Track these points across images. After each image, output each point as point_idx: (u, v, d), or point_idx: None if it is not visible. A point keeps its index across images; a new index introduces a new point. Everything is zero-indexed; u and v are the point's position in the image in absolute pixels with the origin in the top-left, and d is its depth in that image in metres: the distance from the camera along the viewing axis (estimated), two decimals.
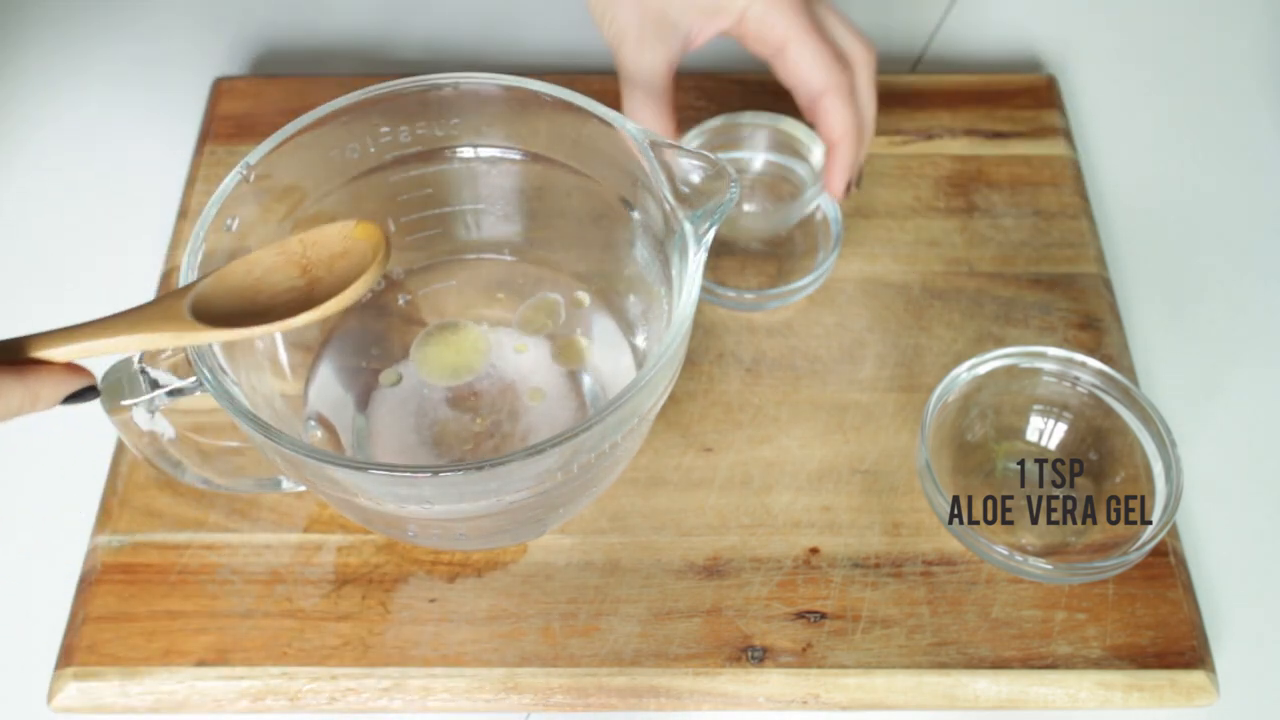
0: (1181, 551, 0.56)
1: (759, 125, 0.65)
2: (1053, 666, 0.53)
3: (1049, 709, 0.53)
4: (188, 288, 0.45)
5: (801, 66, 0.55)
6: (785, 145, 0.65)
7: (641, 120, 0.56)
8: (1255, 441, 0.61)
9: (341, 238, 0.47)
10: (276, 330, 0.45)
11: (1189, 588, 0.55)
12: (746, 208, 0.65)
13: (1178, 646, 0.53)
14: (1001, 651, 0.53)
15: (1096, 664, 0.53)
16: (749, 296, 0.62)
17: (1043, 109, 0.71)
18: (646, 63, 0.53)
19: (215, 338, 0.44)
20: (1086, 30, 0.79)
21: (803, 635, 0.53)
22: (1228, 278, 0.67)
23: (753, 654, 0.53)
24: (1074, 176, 0.69)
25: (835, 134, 0.56)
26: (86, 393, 0.43)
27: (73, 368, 0.43)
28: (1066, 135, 0.70)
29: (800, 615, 0.54)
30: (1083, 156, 0.71)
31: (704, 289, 0.62)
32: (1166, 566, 0.55)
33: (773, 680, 0.52)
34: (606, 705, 0.53)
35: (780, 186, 0.65)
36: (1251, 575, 0.57)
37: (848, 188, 0.58)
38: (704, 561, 0.55)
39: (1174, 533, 0.57)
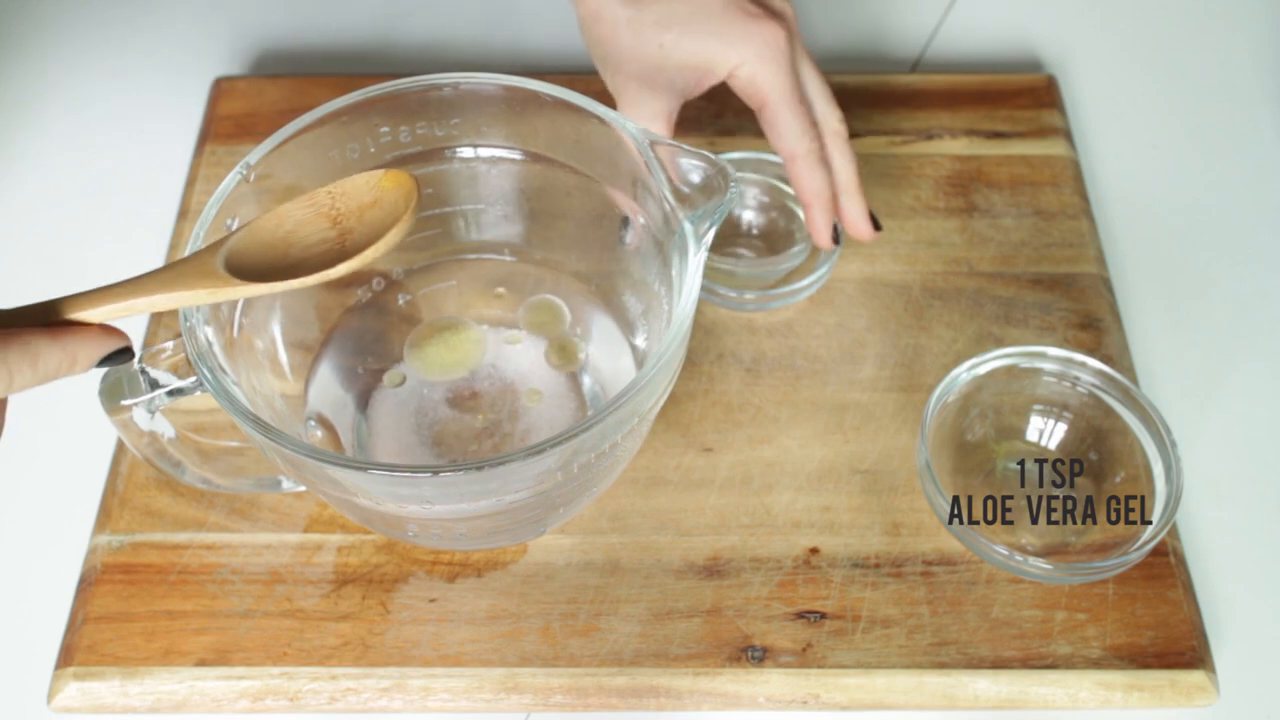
0: (1181, 551, 0.56)
1: (752, 181, 0.66)
2: (1053, 666, 0.53)
3: (1049, 709, 0.53)
4: (218, 243, 0.44)
5: (777, 130, 0.58)
6: (777, 197, 0.66)
7: None
8: (1255, 441, 0.61)
9: (370, 187, 0.46)
10: (313, 282, 0.44)
11: (1189, 588, 0.55)
12: (739, 258, 0.65)
13: (1178, 646, 0.53)
14: (1001, 651, 0.53)
15: (1096, 664, 0.53)
16: (750, 297, 0.62)
17: (1043, 109, 0.71)
18: (644, 120, 0.56)
19: (252, 292, 0.43)
20: (1086, 30, 0.79)
21: (803, 635, 0.53)
22: (1228, 278, 0.67)
23: (753, 654, 0.53)
24: (1074, 176, 0.69)
25: (806, 196, 0.59)
26: (121, 354, 0.43)
27: (108, 329, 0.42)
28: (1066, 135, 0.70)
29: (800, 615, 0.54)
30: (1083, 156, 0.71)
31: (704, 289, 0.63)
32: (1166, 566, 0.55)
33: (773, 680, 0.52)
34: (606, 705, 0.53)
35: (771, 238, 0.66)
36: (1251, 575, 0.57)
37: (835, 236, 0.61)
38: (704, 561, 0.55)
39: (1174, 533, 0.57)
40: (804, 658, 0.53)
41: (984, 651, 0.53)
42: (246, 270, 0.43)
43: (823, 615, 0.54)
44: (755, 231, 0.66)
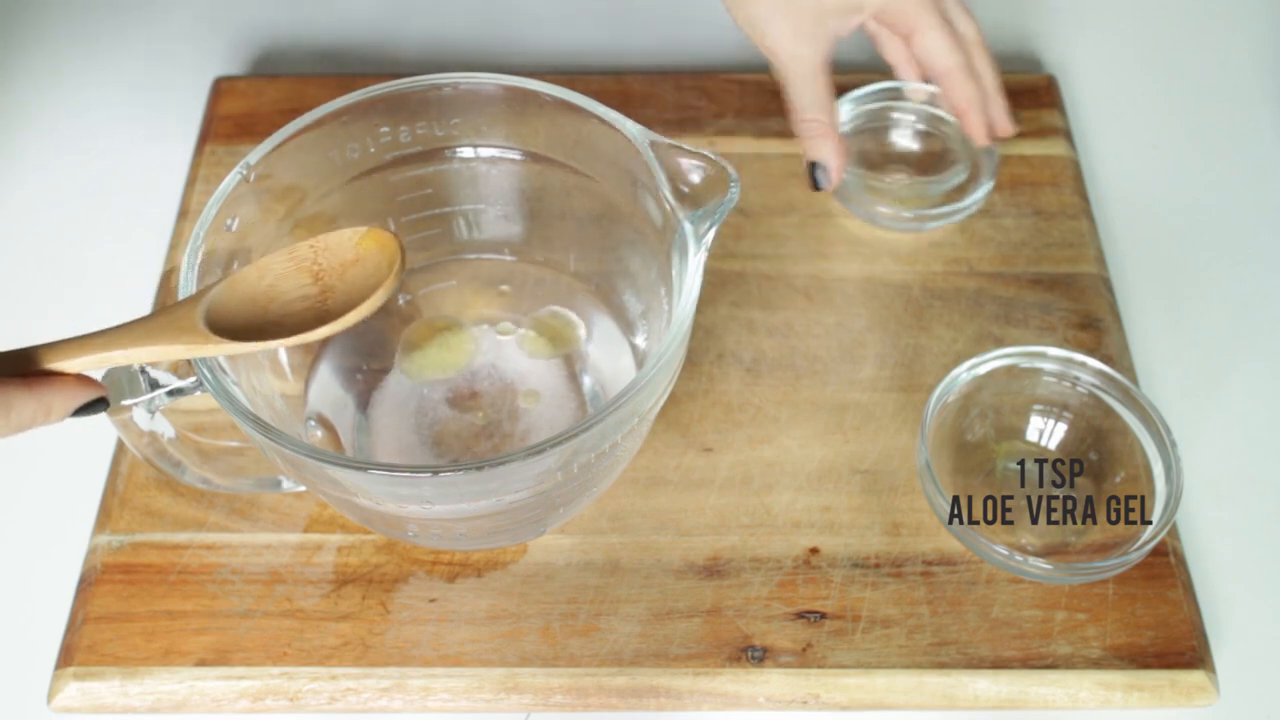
0: (1181, 551, 0.56)
1: (907, 109, 0.68)
2: (1053, 666, 0.53)
3: (1049, 709, 0.53)
4: (199, 295, 0.44)
5: (928, 52, 0.61)
6: (932, 122, 0.68)
7: (810, 110, 0.62)
8: (1255, 441, 0.61)
9: (352, 245, 0.46)
10: (292, 344, 0.44)
11: (1189, 588, 0.55)
12: (895, 178, 0.67)
13: (1178, 646, 0.53)
14: (1001, 651, 0.53)
15: (1096, 664, 0.53)
16: (907, 215, 0.64)
17: (1043, 109, 0.71)
18: (807, 67, 0.60)
19: (230, 350, 0.43)
20: (1086, 30, 0.79)
21: (803, 635, 0.53)
22: (1228, 278, 0.67)
23: (753, 654, 0.53)
24: (1074, 176, 0.69)
25: (960, 105, 0.62)
26: (96, 404, 0.43)
27: (84, 379, 0.42)
28: (1066, 135, 0.70)
29: (800, 615, 0.54)
30: (1083, 156, 0.71)
31: (862, 210, 0.65)
32: (1166, 566, 0.55)
33: (773, 680, 0.52)
34: (606, 705, 0.53)
35: (926, 163, 0.68)
36: (1251, 575, 0.57)
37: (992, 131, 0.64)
38: (704, 561, 0.55)
39: (1174, 533, 0.57)
40: (804, 658, 0.53)
41: (984, 651, 0.53)
42: (227, 324, 0.43)
43: (823, 615, 0.54)
44: (912, 157, 0.68)
